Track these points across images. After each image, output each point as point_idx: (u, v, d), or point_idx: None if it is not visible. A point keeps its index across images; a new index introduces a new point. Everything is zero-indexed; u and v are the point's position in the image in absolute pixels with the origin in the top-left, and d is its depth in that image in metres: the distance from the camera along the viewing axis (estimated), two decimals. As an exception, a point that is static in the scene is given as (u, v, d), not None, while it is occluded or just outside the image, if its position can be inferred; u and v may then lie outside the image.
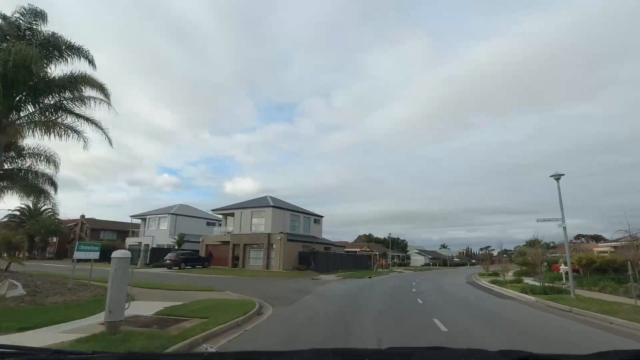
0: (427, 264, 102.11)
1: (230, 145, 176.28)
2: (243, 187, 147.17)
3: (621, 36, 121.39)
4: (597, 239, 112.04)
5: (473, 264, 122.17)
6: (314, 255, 37.62)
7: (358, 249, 58.01)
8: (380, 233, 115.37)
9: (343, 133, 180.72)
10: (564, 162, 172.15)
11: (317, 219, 48.13)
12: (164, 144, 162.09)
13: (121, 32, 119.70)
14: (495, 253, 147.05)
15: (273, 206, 40.32)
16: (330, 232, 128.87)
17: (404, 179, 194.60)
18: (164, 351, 5.72)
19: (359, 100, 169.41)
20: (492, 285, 24.61)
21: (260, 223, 40.51)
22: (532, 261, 36.57)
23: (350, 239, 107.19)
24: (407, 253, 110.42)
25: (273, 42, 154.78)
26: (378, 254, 75.59)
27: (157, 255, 41.63)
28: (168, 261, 36.98)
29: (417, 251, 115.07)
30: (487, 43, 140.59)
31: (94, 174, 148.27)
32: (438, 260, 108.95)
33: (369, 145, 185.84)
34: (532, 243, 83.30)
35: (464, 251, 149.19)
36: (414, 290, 19.84)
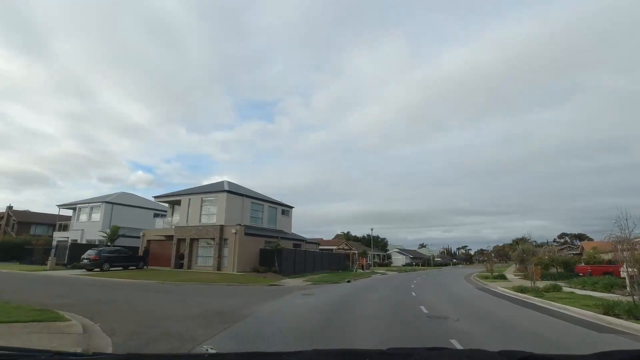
0: (408, 264, 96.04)
1: (206, 142, 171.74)
2: None
3: (586, 46, 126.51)
4: (582, 237, 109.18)
5: (455, 264, 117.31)
6: (278, 253, 29.61)
7: (335, 247, 50.37)
8: (358, 232, 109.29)
9: (321, 132, 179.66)
10: (532, 166, 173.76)
11: (286, 209, 40.13)
12: (137, 140, 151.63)
13: (93, 21, 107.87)
14: (472, 253, 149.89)
15: (228, 191, 32.04)
16: (308, 232, 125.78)
17: (381, 179, 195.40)
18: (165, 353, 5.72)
19: (337, 100, 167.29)
20: (530, 297, 16.83)
21: (212, 212, 32.17)
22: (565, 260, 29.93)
23: (328, 238, 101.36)
24: (388, 252, 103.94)
25: (252, 38, 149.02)
26: (357, 253, 68.41)
27: (80, 253, 32.53)
28: (86, 260, 28.31)
29: (398, 250, 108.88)
30: (461, 47, 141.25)
31: (64, 170, 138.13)
32: (419, 259, 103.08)
33: (346, 145, 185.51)
34: (517, 242, 77.10)
35: (444, 250, 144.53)
36: (424, 309, 12.08)
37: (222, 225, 30.78)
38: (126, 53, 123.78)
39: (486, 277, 31.60)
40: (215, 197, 32.32)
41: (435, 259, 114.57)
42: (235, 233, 29.96)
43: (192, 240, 32.07)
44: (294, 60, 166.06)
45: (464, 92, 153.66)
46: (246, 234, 30.65)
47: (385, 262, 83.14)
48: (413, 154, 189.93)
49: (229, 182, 36.28)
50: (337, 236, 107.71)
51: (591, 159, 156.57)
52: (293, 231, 40.80)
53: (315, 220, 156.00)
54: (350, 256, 53.79)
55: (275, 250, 29.92)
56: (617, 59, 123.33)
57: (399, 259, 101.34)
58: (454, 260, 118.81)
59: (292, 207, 41.03)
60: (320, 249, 46.86)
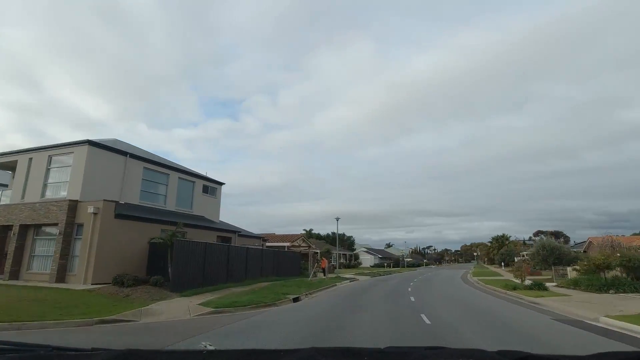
0: (378, 264, 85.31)
1: (169, 139, 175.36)
2: None
3: (541, 57, 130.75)
4: (558, 235, 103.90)
5: (427, 264, 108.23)
6: (173, 248, 16.49)
7: (289, 243, 37.77)
8: (323, 232, 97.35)
9: (288, 132, 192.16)
10: (493, 169, 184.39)
11: (211, 187, 27.03)
12: (93, 135, 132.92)
13: (47, 7, 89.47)
14: (435, 253, 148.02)
15: (92, 144, 18.51)
16: (274, 232, 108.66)
17: (347, 179, 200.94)
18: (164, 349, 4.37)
19: (305, 100, 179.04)
20: None
21: (64, 181, 18.58)
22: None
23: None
24: (355, 252, 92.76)
25: (219, 35, 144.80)
26: (319, 252, 56.10)
27: None
28: None
29: (366, 250, 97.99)
30: (428, 53, 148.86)
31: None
32: (389, 260, 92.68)
33: (313, 146, 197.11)
34: (497, 240, 68.11)
35: (413, 250, 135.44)
36: None
37: (73, 202, 17.31)
38: (81, 42, 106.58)
39: (514, 287, 20.12)
40: (70, 153, 18.70)
41: (406, 259, 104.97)
42: (95, 214, 16.60)
43: (25, 227, 18.30)
44: (262, 58, 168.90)
45: (430, 96, 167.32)
46: (119, 216, 17.36)
47: (352, 262, 71.68)
48: (380, 155, 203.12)
49: (107, 140, 22.78)
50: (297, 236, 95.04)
51: (544, 163, 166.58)
52: (246, 228, 27.76)
53: (282, 220, 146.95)
54: (310, 256, 41.44)
55: (169, 244, 16.81)
56: (569, 70, 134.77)
57: (367, 259, 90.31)
58: (425, 261, 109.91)
59: (221, 184, 28.00)
60: (268, 247, 34.24)
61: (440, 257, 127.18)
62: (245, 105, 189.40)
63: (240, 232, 26.30)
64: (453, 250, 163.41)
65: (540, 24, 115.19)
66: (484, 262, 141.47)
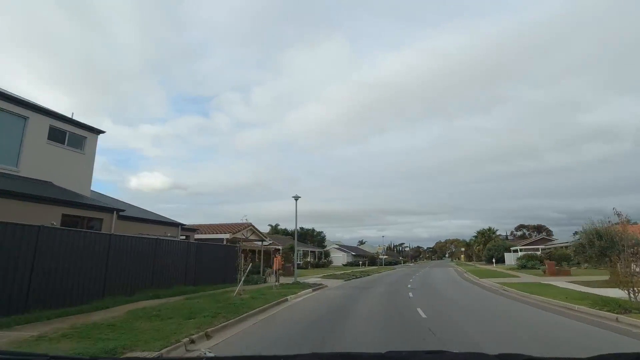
0: (351, 263, 75.86)
1: (137, 136, 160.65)
2: (151, 182, 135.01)
3: (509, 61, 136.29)
4: (540, 229, 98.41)
5: (405, 262, 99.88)
6: None
7: (228, 235, 26.72)
8: (293, 229, 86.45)
9: (261, 131, 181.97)
10: (461, 169, 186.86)
11: (71, 134, 15.64)
12: None
13: None
14: (408, 250, 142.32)
15: None
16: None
17: (320, 178, 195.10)
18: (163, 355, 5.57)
19: (277, 98, 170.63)
20: None
21: None
22: None
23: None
24: (326, 249, 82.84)
25: (190, 30, 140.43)
26: (279, 249, 45.65)
27: None
28: None
29: (338, 247, 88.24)
30: (400, 54, 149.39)
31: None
32: (363, 257, 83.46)
33: (286, 144, 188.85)
34: (483, 234, 60.03)
35: (387, 247, 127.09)
36: None
37: None
38: (40, 32, 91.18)
39: (618, 306, 10.21)
40: None
41: (381, 257, 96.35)
42: None
43: None
44: (234, 55, 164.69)
45: (402, 97, 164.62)
46: None
47: (322, 261, 61.54)
48: (353, 154, 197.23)
49: None
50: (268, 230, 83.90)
51: (510, 164, 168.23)
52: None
53: (255, 219, 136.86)
54: (262, 254, 30.76)
55: None
56: (534, 75, 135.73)
57: (339, 257, 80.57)
58: (402, 258, 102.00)
59: (96, 132, 16.66)
60: (199, 240, 23.33)
61: (417, 255, 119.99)
62: (216, 102, 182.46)
63: (121, 211, 15.10)
64: (425, 248, 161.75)
65: (508, 30, 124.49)
66: (462, 259, 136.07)
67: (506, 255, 58.86)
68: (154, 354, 6.10)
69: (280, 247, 47.70)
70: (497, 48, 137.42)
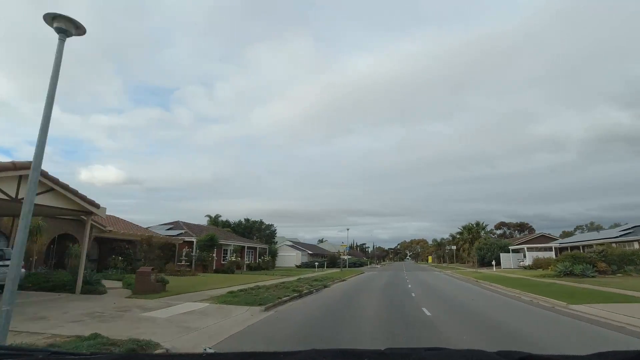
0: (307, 263, 60.64)
1: (88, 126, 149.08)
2: (103, 175, 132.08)
3: (471, 71, 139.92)
4: (523, 227, 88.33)
5: (371, 263, 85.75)
6: None
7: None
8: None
9: (224, 126, 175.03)
10: (421, 172, 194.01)
11: None
12: None
13: None
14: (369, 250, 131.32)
15: None
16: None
17: (283, 177, 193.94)
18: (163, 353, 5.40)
19: (242, 94, 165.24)
20: None
21: None
22: None
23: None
24: (276, 246, 66.80)
25: (151, 18, 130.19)
26: (194, 242, 29.44)
27: None
28: None
29: (292, 244, 72.38)
30: (367, 57, 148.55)
31: None
32: (322, 257, 68.40)
33: (250, 141, 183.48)
34: (470, 229, 46.81)
35: (350, 245, 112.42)
36: None
37: None
38: None
39: None
40: None
41: (342, 257, 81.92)
42: None
43: None
44: (198, 47, 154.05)
45: (368, 100, 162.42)
46: None
47: (262, 262, 45.50)
48: (317, 154, 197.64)
49: None
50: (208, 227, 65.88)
51: (467, 169, 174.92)
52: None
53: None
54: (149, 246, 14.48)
55: None
56: (492, 84, 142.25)
57: (291, 257, 64.84)
58: (367, 259, 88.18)
59: None
60: None
61: (385, 255, 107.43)
62: (178, 95, 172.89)
63: None
64: (386, 248, 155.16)
65: (469, 41, 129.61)
66: (430, 261, 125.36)
67: (503, 256, 45.96)
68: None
69: (194, 239, 31.25)
70: (458, 57, 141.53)
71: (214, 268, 31.08)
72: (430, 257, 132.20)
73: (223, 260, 36.67)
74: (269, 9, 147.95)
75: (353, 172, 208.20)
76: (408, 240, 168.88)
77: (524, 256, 45.12)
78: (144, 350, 5.74)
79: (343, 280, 26.12)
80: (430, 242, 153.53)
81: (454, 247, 44.62)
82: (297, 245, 71.69)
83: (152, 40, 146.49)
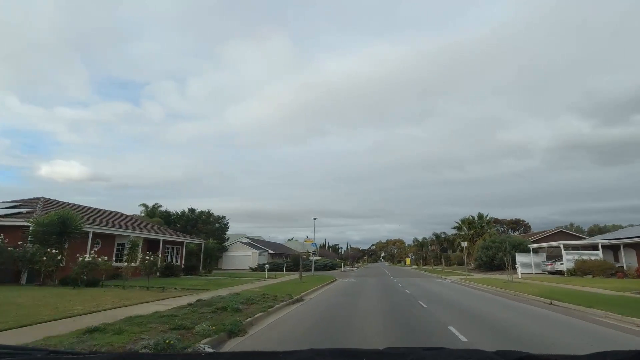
0: (268, 264, 47.57)
1: (50, 118, 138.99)
2: (66, 171, 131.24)
3: (444, 77, 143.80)
4: (517, 224, 78.72)
5: (344, 264, 73.42)
6: None
7: None
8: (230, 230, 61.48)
9: (197, 124, 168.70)
10: (394, 175, 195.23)
11: None
12: None
13: None
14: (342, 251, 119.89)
15: None
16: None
17: (257, 177, 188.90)
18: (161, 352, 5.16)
19: (216, 91, 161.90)
20: None
21: None
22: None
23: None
24: (227, 243, 53.14)
25: (121, 7, 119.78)
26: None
27: None
28: None
29: (248, 241, 58.80)
30: (343, 59, 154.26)
31: None
32: (285, 257, 55.36)
33: (223, 140, 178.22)
34: (470, 222, 36.89)
35: (322, 245, 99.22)
36: None
37: None
38: None
39: None
40: None
41: (311, 257, 69.32)
42: None
43: None
44: (171, 41, 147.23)
45: (343, 101, 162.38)
46: None
47: (206, 261, 32.07)
48: (292, 154, 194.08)
49: None
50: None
51: (439, 173, 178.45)
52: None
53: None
54: None
55: None
56: (463, 90, 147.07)
57: (246, 257, 51.42)
58: (340, 260, 75.87)
59: None
60: None
61: (360, 256, 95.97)
62: (148, 89, 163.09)
63: None
64: (360, 249, 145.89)
65: (442, 47, 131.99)
66: (407, 262, 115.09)
67: (520, 257, 34.68)
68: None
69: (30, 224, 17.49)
70: (432, 63, 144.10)
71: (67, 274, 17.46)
72: (408, 259, 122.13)
73: (117, 260, 23.13)
74: (246, 5, 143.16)
75: (327, 173, 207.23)
76: (383, 240, 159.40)
77: (546, 257, 34.23)
78: None
79: (294, 303, 13.33)
80: (409, 243, 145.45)
81: (464, 244, 32.85)
82: (255, 243, 58.24)
83: (121, 31, 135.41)
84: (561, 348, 6.89)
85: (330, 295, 17.09)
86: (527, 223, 69.18)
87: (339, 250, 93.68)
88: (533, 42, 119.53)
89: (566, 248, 29.43)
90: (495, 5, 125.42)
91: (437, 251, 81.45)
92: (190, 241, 32.46)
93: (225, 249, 52.69)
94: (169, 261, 29.71)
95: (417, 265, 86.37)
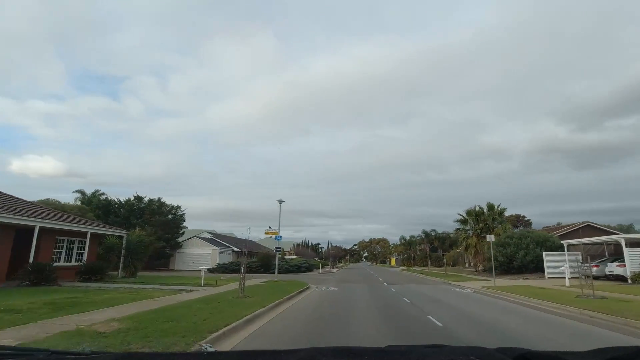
0: (227, 265, 38.46)
1: (23, 112, 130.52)
2: (39, 166, 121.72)
3: (427, 79, 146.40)
4: (518, 221, 71.72)
5: (324, 265, 64.63)
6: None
7: None
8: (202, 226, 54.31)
9: (178, 121, 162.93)
10: (376, 176, 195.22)
11: None
12: None
13: None
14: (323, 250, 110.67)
15: None
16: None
17: (239, 176, 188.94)
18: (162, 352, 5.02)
19: (198, 88, 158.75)
20: None
21: None
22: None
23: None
24: (181, 239, 43.68)
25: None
26: None
27: None
28: None
29: (210, 236, 49.44)
30: (328, 59, 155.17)
31: None
32: (254, 255, 46.17)
33: (205, 138, 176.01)
34: (478, 215, 29.24)
35: (300, 244, 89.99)
36: None
37: None
38: None
39: None
40: None
41: (286, 256, 60.48)
42: None
43: None
44: (152, 36, 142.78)
45: (328, 101, 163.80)
46: None
47: (121, 264, 23.02)
48: (275, 154, 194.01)
49: None
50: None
51: (421, 174, 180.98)
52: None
53: None
54: None
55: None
56: (446, 93, 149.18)
57: (204, 257, 42.04)
58: (319, 260, 67.33)
59: None
60: None
61: (342, 255, 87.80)
62: (128, 84, 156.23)
63: None
64: (343, 247, 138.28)
65: (425, 49, 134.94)
66: (392, 263, 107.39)
67: (547, 256, 26.77)
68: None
69: None
70: (416, 65, 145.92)
71: None
72: (393, 259, 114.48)
73: None
74: (230, 0, 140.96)
75: (309, 173, 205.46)
76: (367, 239, 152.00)
77: (582, 257, 26.34)
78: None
79: None
80: (394, 242, 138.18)
81: (490, 237, 24.38)
82: (217, 239, 48.86)
83: (100, 22, 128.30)
84: None
85: (279, 332, 8.28)
86: (529, 220, 62.37)
87: (320, 250, 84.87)
88: (513, 47, 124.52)
89: (631, 244, 21.40)
90: (477, 10, 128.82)
91: (427, 250, 73.93)
92: (100, 231, 22.99)
93: (179, 246, 43.16)
94: (65, 258, 20.34)
95: (404, 266, 78.56)
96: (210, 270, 38.39)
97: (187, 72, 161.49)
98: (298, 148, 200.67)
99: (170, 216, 44.93)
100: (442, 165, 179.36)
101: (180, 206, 44.82)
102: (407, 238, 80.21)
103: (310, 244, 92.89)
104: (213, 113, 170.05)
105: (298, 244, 79.90)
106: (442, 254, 70.87)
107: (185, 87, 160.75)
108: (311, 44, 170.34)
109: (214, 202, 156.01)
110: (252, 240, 66.74)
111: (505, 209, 34.50)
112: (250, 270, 37.59)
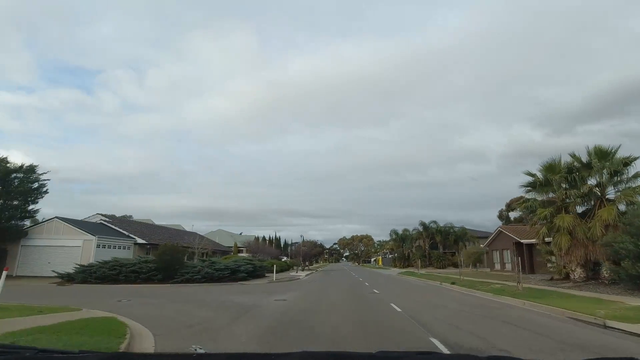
0: (102, 266, 21.47)
1: None
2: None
3: (406, 81, 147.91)
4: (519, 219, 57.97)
5: (291, 265, 47.10)
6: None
7: None
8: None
9: (154, 117, 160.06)
10: (356, 176, 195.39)
11: None
12: None
13: None
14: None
15: None
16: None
17: (217, 174, 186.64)
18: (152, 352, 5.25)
19: (175, 84, 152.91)
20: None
21: None
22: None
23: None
24: (31, 223, 26.13)
25: None
26: None
27: None
28: None
29: (105, 220, 31.65)
30: (308, 58, 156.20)
31: None
32: (181, 254, 28.74)
33: (182, 135, 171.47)
34: (569, 169, 9.58)
35: (263, 238, 71.79)
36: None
37: None
38: None
39: None
40: None
41: (242, 252, 43.03)
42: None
43: None
44: (128, 28, 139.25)
45: (307, 101, 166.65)
46: None
47: None
48: (253, 152, 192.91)
49: None
50: None
51: (399, 175, 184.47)
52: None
53: (139, 213, 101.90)
54: None
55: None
56: (426, 95, 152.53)
57: (71, 252, 24.37)
58: (287, 259, 50.20)
59: None
60: None
61: (319, 253, 71.18)
62: (102, 78, 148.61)
63: None
64: (319, 243, 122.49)
65: (405, 52, 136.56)
66: (379, 263, 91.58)
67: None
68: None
69: None
70: (395, 66, 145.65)
71: None
72: (380, 259, 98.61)
73: None
74: None
75: (288, 172, 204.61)
76: (348, 237, 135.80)
77: None
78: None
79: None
80: (378, 239, 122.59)
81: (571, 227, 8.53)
82: (113, 225, 30.93)
83: (71, 11, 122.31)
84: None
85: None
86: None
87: (291, 248, 67.73)
88: (489, 52, 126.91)
89: None
90: (455, 15, 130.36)
91: (426, 248, 58.11)
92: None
93: (24, 233, 25.34)
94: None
95: (396, 266, 62.30)
96: (63, 277, 20.77)
97: (164, 67, 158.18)
98: (276, 147, 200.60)
99: (26, 187, 26.78)
100: (420, 167, 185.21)
101: (36, 165, 26.65)
102: (400, 232, 63.79)
103: (273, 239, 75.04)
104: (190, 110, 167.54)
105: (256, 237, 62.25)
106: (447, 252, 55.34)
107: (162, 83, 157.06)
108: (291, 43, 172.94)
109: (189, 201, 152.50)
110: (184, 230, 48.57)
111: (628, 157, 17.24)
112: (139, 277, 20.52)
